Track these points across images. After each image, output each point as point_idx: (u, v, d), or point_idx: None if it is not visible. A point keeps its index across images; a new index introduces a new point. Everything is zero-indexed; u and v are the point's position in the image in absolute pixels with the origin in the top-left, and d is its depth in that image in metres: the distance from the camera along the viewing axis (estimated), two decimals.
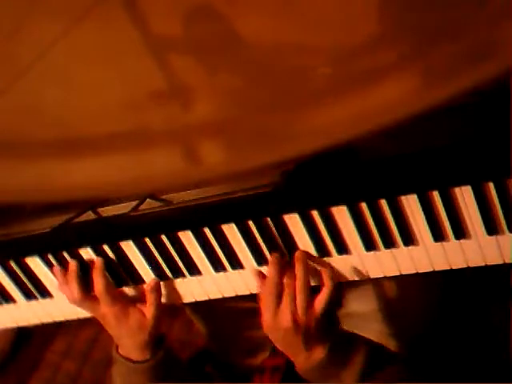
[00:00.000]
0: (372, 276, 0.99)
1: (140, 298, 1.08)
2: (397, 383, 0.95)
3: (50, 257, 1.10)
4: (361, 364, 0.94)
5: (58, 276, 1.08)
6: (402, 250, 0.95)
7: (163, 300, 1.08)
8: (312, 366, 0.95)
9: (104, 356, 2.01)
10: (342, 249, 0.97)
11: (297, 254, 0.97)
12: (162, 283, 1.08)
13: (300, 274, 0.95)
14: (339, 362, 0.95)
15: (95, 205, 1.02)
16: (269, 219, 0.97)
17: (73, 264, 1.07)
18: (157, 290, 1.06)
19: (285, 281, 0.95)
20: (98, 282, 1.05)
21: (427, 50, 0.49)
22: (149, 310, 1.05)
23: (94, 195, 0.83)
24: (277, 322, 0.94)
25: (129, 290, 1.10)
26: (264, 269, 1.01)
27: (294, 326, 0.93)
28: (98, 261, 1.06)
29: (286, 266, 0.97)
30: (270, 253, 0.99)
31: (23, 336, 2.18)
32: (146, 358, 1.06)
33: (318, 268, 0.98)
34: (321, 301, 0.94)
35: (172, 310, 1.14)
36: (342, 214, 0.94)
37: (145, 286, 1.08)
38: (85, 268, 1.09)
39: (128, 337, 1.06)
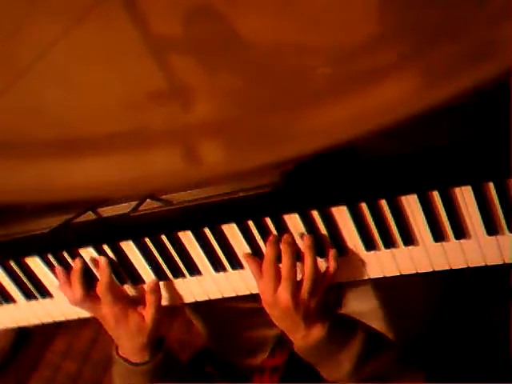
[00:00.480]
0: (372, 276, 0.99)
1: (140, 300, 1.08)
2: (390, 371, 0.95)
3: (50, 257, 1.10)
4: (359, 347, 0.94)
5: (60, 276, 1.08)
6: (401, 250, 0.95)
7: (163, 301, 1.08)
8: (310, 345, 0.94)
9: (104, 356, 2.01)
10: (343, 249, 0.97)
11: (305, 240, 0.96)
12: (161, 283, 1.08)
13: (309, 261, 0.94)
14: (337, 342, 0.94)
15: (95, 205, 1.02)
16: (269, 219, 0.97)
17: (77, 263, 1.07)
18: (156, 291, 1.06)
19: (284, 260, 0.94)
20: (103, 281, 1.05)
21: (427, 49, 0.49)
22: (148, 312, 1.05)
23: (94, 195, 0.83)
24: (276, 301, 0.94)
25: (129, 291, 1.10)
26: None
27: (293, 304, 0.92)
28: (103, 260, 1.06)
29: (287, 244, 0.96)
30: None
31: (23, 336, 2.18)
32: (144, 359, 1.06)
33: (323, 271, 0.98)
34: (324, 282, 0.95)
35: (171, 310, 1.14)
36: (342, 214, 0.94)
37: (145, 286, 1.08)
38: (85, 267, 1.09)
39: (127, 339, 1.06)
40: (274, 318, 0.97)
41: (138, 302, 1.08)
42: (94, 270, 1.09)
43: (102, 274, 1.06)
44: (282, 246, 0.95)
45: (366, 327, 0.99)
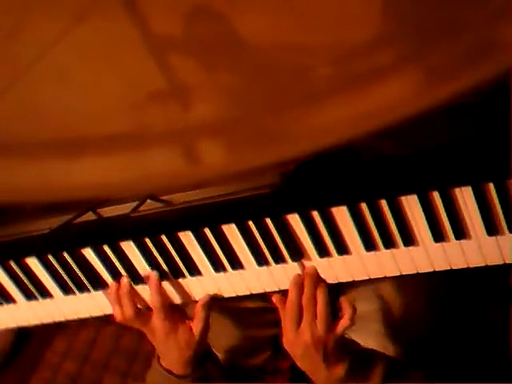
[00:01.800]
0: (372, 276, 0.99)
1: (188, 314, 1.08)
2: None
3: (50, 257, 1.10)
4: (380, 379, 0.95)
5: (112, 295, 1.08)
6: (401, 250, 0.95)
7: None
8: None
9: (104, 356, 2.01)
10: (342, 249, 0.97)
11: (320, 285, 0.98)
12: (161, 283, 1.08)
13: (320, 299, 0.96)
14: (359, 378, 0.96)
15: (95, 205, 1.02)
16: (269, 219, 0.97)
17: (126, 283, 1.07)
18: (208, 307, 1.07)
19: (304, 300, 0.96)
20: (155, 296, 1.06)
21: (427, 49, 0.49)
22: (197, 326, 1.06)
23: (95, 195, 0.83)
24: (298, 340, 0.96)
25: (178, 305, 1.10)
26: (264, 269, 1.01)
27: (313, 343, 0.94)
28: (153, 275, 1.06)
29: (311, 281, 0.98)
30: (270, 253, 0.99)
31: (23, 336, 2.18)
32: (187, 373, 1.08)
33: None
34: (342, 326, 0.96)
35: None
36: (342, 214, 0.94)
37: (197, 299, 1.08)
38: (86, 267, 1.09)
39: (174, 352, 1.07)
40: (296, 358, 0.99)
41: (186, 315, 1.08)
42: (98, 270, 1.09)
43: (154, 290, 1.06)
44: (305, 279, 0.98)
45: (383, 356, 1.00)
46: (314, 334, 0.94)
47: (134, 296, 1.07)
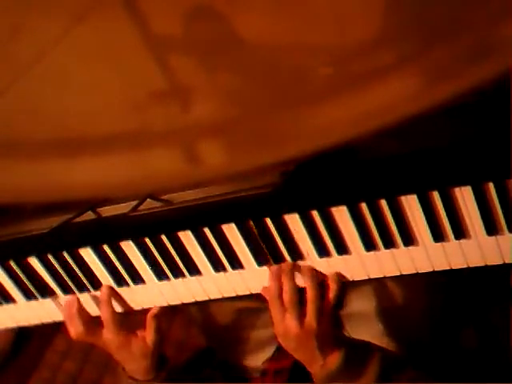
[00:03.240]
0: (372, 276, 0.99)
1: (141, 324, 1.10)
2: None
3: (50, 257, 1.10)
4: (376, 372, 0.95)
5: (64, 312, 1.11)
6: (401, 250, 0.95)
7: (164, 301, 1.08)
8: (328, 374, 0.95)
9: (104, 356, 2.01)
10: (342, 249, 0.97)
11: (304, 268, 0.98)
12: (161, 284, 1.08)
13: (309, 285, 0.96)
14: (355, 369, 0.95)
15: (95, 205, 1.02)
16: (269, 219, 0.97)
17: (73, 303, 1.09)
18: (157, 316, 1.09)
19: (284, 296, 0.96)
20: (105, 310, 1.07)
21: (427, 49, 0.49)
22: (149, 335, 1.08)
23: (94, 195, 0.83)
24: (286, 330, 0.95)
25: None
26: (264, 269, 1.01)
27: (302, 331, 0.94)
28: (104, 289, 1.08)
29: (286, 273, 0.97)
30: (270, 253, 0.99)
31: (23, 336, 2.18)
32: (149, 378, 1.09)
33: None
34: (328, 304, 0.96)
35: (171, 310, 1.14)
36: (342, 214, 0.94)
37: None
38: (86, 267, 1.09)
39: (131, 362, 1.09)
40: (290, 350, 0.98)
41: (138, 326, 1.10)
42: (96, 272, 1.09)
43: (104, 304, 1.08)
44: (282, 275, 0.97)
45: (380, 349, 1.00)
46: (302, 324, 0.94)
47: (84, 313, 1.09)
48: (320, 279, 0.98)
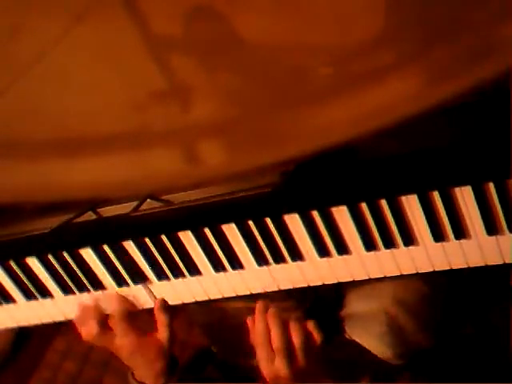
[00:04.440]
0: (372, 276, 0.99)
1: (152, 325, 1.08)
2: None
3: (50, 257, 1.10)
4: None
5: (79, 312, 1.08)
6: (401, 250, 0.95)
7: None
8: None
9: (104, 356, 2.01)
10: (342, 249, 0.97)
11: (270, 311, 0.95)
12: (162, 283, 1.08)
13: (296, 332, 0.94)
14: None
15: (95, 205, 1.02)
16: (269, 219, 0.97)
17: (93, 302, 1.07)
18: (165, 309, 1.06)
19: (273, 334, 0.94)
20: (115, 312, 1.06)
21: (427, 49, 0.49)
22: (162, 334, 1.06)
23: (95, 195, 0.83)
24: (275, 373, 0.94)
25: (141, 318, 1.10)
26: (264, 269, 1.01)
27: (292, 373, 0.92)
28: (115, 291, 1.07)
29: (273, 317, 0.95)
30: (270, 253, 0.99)
31: (23, 336, 2.18)
32: (161, 383, 1.07)
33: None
34: (316, 347, 0.94)
35: (171, 310, 1.14)
36: (342, 214, 0.94)
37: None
38: (86, 267, 1.09)
39: (144, 366, 1.06)
40: None
41: (149, 327, 1.08)
42: (96, 272, 1.09)
43: (115, 305, 1.06)
44: (269, 320, 0.95)
45: (372, 363, 0.99)
46: (290, 367, 0.92)
47: (101, 315, 1.07)
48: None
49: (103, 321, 1.07)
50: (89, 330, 1.06)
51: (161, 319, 1.06)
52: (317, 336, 0.95)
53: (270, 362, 0.94)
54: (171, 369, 1.08)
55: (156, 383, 1.07)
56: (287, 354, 0.93)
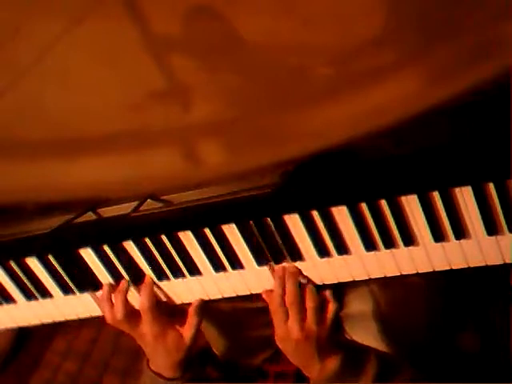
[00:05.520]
0: (372, 276, 0.99)
1: (179, 318, 1.08)
2: None
3: (50, 257, 1.10)
4: (373, 374, 0.95)
5: (104, 293, 1.08)
6: (401, 250, 0.95)
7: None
8: (326, 377, 0.95)
9: (104, 356, 2.01)
10: (342, 249, 0.97)
11: (302, 276, 0.98)
12: (162, 283, 1.08)
13: (309, 296, 0.96)
14: (353, 372, 0.95)
15: (95, 205, 1.02)
16: (269, 219, 0.97)
17: (123, 284, 1.07)
18: (200, 312, 1.07)
19: (288, 299, 0.96)
20: (146, 299, 1.05)
21: (427, 50, 0.49)
22: (187, 331, 1.06)
23: (95, 195, 0.83)
24: (286, 333, 0.95)
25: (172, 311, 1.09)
26: (264, 269, 1.01)
27: (304, 336, 0.94)
28: (146, 278, 1.07)
29: (290, 276, 0.98)
30: (270, 253, 0.99)
31: (23, 336, 2.18)
32: (176, 376, 1.07)
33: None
34: (329, 316, 0.96)
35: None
36: (342, 214, 0.94)
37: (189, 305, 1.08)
38: (86, 267, 1.09)
39: (163, 356, 1.07)
40: (288, 353, 0.98)
41: (176, 320, 1.08)
42: (96, 272, 1.09)
43: (145, 293, 1.06)
44: (286, 278, 0.97)
45: (376, 352, 1.00)
46: (302, 329, 0.94)
47: (126, 299, 1.06)
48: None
49: (130, 305, 1.07)
50: (114, 313, 1.06)
51: (192, 318, 1.06)
52: (331, 306, 0.97)
53: (283, 323, 0.95)
54: (189, 364, 1.08)
55: (170, 374, 1.07)
56: (300, 311, 0.95)
